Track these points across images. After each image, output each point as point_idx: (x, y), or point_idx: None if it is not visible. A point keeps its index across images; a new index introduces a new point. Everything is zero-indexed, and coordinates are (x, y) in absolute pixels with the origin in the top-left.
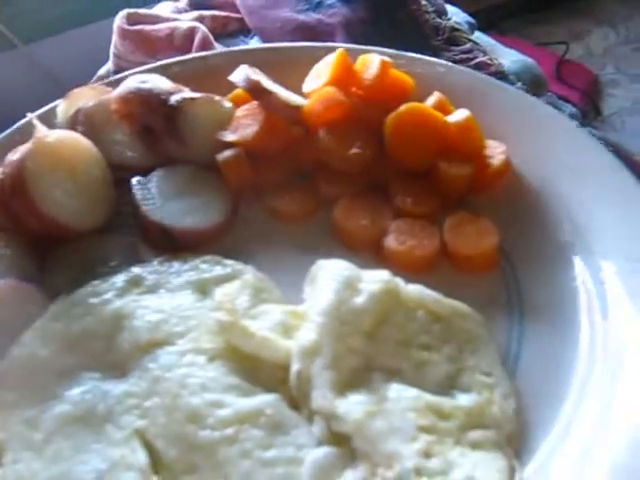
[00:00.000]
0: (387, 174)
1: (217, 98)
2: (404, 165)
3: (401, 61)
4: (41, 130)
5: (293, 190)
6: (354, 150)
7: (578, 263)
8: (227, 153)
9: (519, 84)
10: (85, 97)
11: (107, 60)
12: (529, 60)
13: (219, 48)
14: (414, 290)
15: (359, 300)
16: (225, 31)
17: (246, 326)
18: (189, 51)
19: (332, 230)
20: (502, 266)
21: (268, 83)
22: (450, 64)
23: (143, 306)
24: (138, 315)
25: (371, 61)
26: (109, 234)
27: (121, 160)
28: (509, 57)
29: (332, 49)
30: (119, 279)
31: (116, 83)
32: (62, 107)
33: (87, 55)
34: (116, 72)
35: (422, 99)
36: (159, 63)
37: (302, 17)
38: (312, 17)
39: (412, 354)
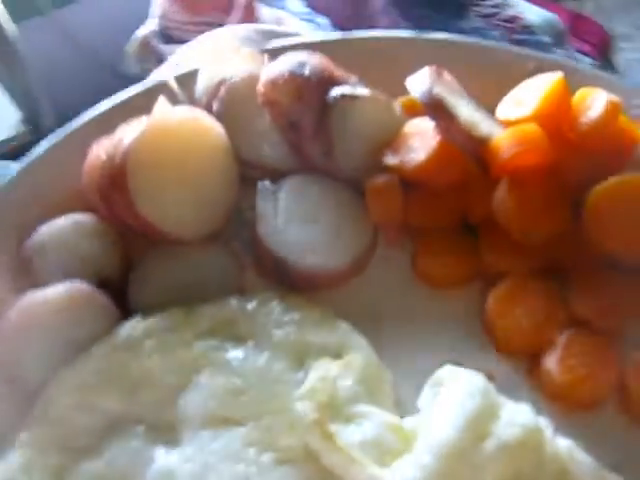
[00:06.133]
0: (575, 260)
1: (386, 101)
2: (603, 255)
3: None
4: (162, 108)
5: (448, 245)
6: (541, 219)
7: None
8: (379, 179)
9: (546, 38)
10: (235, 66)
11: (141, 23)
12: (550, 14)
13: (261, 7)
14: (562, 448)
15: (486, 448)
16: None
17: (333, 434)
18: (231, 10)
19: (483, 316)
20: None
21: (454, 100)
22: None
23: (224, 362)
24: (214, 373)
25: (594, 99)
26: (215, 249)
27: (257, 157)
28: (532, 12)
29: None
30: (208, 312)
31: (274, 54)
32: (205, 73)
33: (117, 19)
34: (162, 33)
35: None
36: (328, 37)
37: None
38: None
39: None
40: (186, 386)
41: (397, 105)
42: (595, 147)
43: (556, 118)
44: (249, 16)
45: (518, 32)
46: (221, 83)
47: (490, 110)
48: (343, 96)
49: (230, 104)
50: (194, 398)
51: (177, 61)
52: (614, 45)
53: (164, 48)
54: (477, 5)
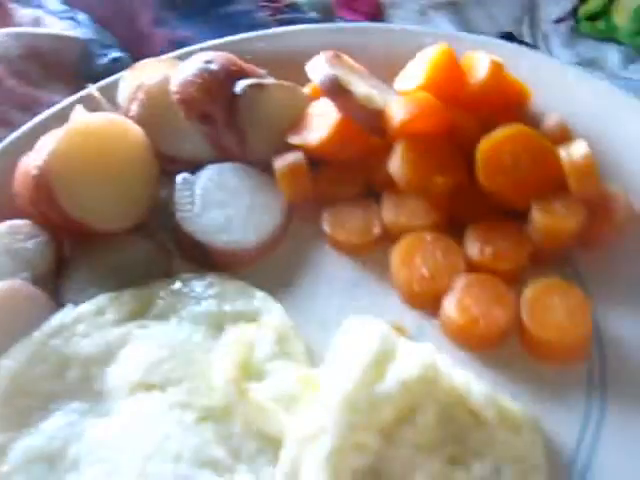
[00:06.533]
0: (470, 210)
1: (291, 87)
2: (494, 202)
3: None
4: (78, 114)
5: (355, 213)
6: (435, 176)
7: None
8: (286, 159)
9: (312, 14)
10: (152, 71)
11: None
12: None
13: (14, 8)
14: (458, 381)
15: (385, 387)
16: None
17: (246, 389)
18: None
19: (391, 273)
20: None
21: (351, 77)
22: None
23: (147, 336)
24: (137, 347)
25: (479, 61)
26: (141, 238)
27: (176, 151)
28: None
29: (443, 37)
30: (133, 295)
31: (187, 57)
32: (125, 81)
33: None
34: None
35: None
36: (234, 38)
37: None
38: None
39: (432, 466)
40: (113, 361)
41: (303, 90)
42: (485, 105)
43: (445, 83)
44: (3, 19)
45: (283, 11)
46: (139, 88)
47: None
48: (250, 87)
49: (147, 106)
50: (119, 370)
51: None
52: (385, 13)
53: None
54: None
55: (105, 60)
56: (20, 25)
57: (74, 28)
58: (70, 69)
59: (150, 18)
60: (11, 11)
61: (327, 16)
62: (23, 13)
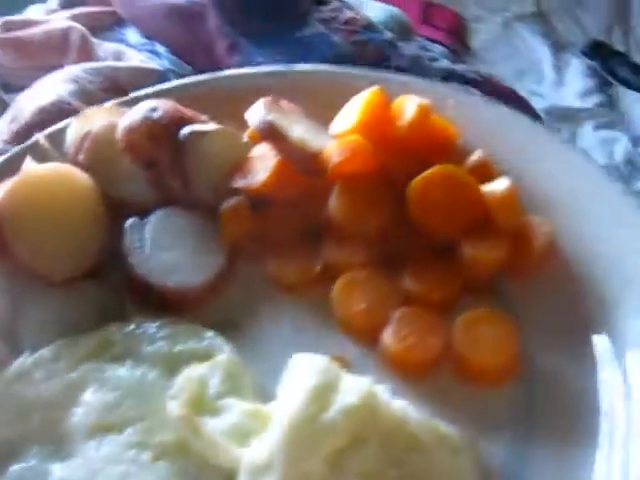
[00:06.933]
0: (405, 247)
1: (231, 132)
2: (426, 238)
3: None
4: (29, 165)
5: (297, 253)
6: (369, 217)
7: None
8: (230, 202)
9: (388, 34)
10: (98, 119)
11: None
12: (393, 9)
13: (98, 43)
14: (397, 408)
15: (328, 416)
16: (101, 26)
17: (198, 425)
18: (67, 52)
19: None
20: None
21: (287, 122)
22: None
23: (104, 378)
24: (95, 389)
25: (407, 104)
26: (93, 285)
27: (125, 196)
28: (374, 9)
29: (381, 79)
30: (90, 340)
31: (133, 103)
32: (72, 128)
33: None
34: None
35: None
36: (177, 83)
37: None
38: None
39: None
40: (72, 404)
41: (242, 135)
42: (414, 146)
43: (377, 125)
44: (85, 55)
45: (359, 32)
46: (86, 136)
47: None
48: (192, 133)
49: (94, 153)
50: (79, 413)
51: (17, 108)
52: (468, 28)
53: (6, 97)
54: (318, 11)
55: None
56: (103, 59)
57: (153, 60)
58: None
59: (226, 46)
60: (94, 46)
61: (405, 35)
62: (106, 47)
